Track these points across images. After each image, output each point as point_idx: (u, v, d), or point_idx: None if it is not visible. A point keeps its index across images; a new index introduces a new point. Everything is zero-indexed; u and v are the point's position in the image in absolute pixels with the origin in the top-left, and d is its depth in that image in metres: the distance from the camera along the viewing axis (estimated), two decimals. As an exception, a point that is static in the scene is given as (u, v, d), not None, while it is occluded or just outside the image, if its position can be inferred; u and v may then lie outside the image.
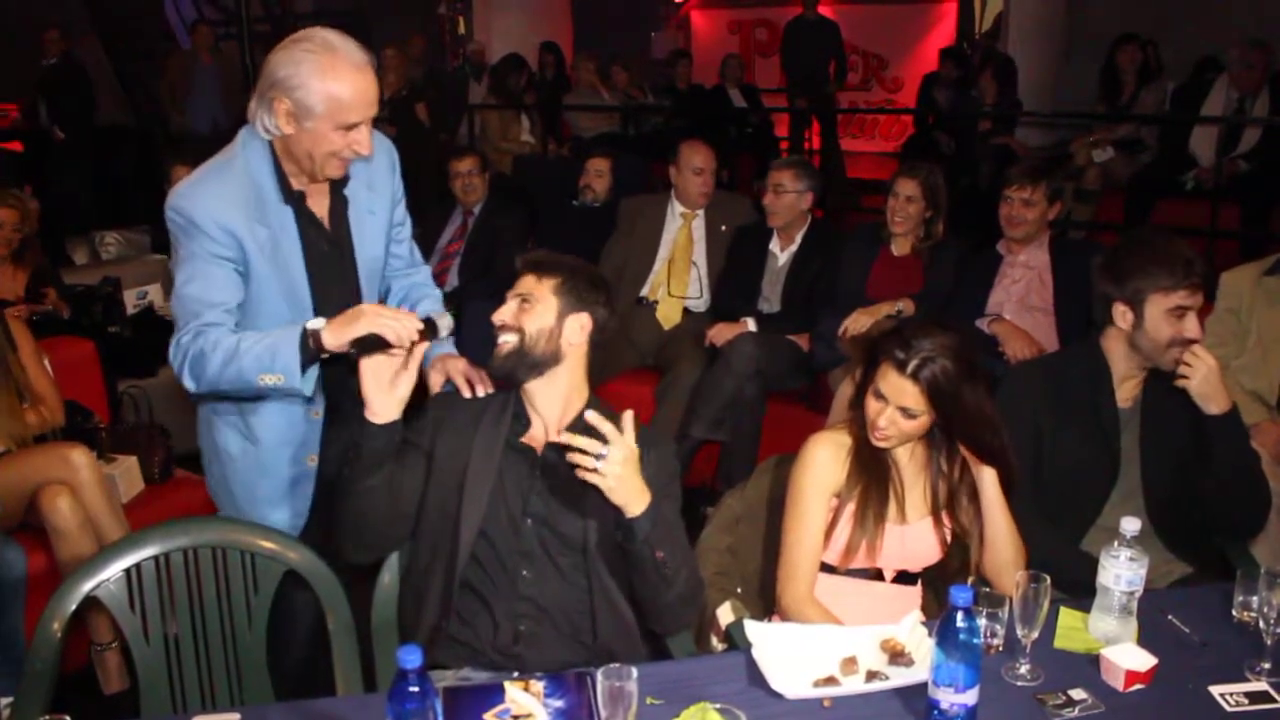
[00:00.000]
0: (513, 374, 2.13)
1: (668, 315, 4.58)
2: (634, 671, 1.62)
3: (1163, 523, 2.50)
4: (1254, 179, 5.86)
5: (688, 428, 4.11)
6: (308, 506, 2.40)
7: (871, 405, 2.19)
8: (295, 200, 2.25)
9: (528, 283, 2.15)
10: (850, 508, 2.22)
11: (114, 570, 2.03)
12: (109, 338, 4.55)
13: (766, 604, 2.39)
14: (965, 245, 4.16)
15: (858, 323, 3.92)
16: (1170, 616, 2.03)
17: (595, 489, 1.93)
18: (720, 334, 4.20)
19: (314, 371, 2.14)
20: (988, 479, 2.18)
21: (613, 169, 5.53)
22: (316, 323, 2.08)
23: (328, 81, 2.07)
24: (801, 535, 2.22)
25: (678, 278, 4.60)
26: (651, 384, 4.41)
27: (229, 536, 2.12)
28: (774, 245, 4.42)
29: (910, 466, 2.27)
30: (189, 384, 2.16)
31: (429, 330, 2.07)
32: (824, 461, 2.25)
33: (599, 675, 1.63)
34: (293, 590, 2.17)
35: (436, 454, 2.14)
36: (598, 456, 1.89)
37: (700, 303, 4.62)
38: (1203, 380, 2.38)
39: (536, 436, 2.16)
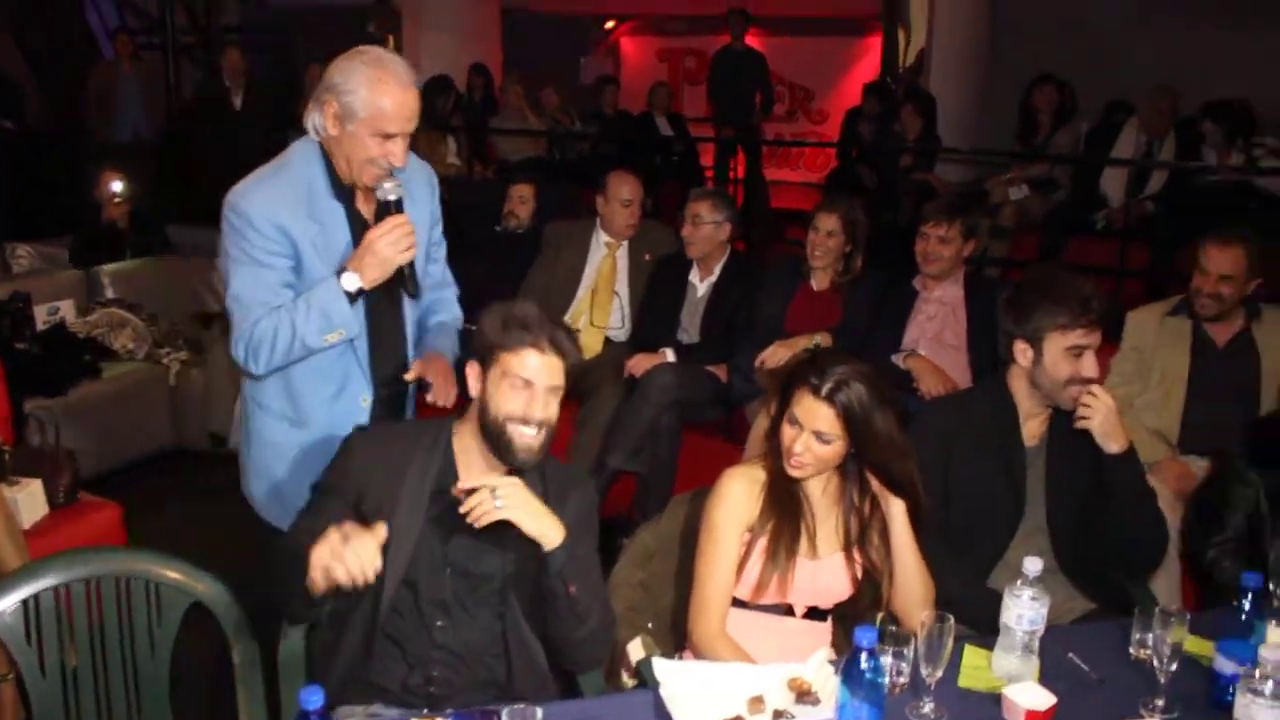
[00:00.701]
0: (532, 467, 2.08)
1: (588, 344, 4.52)
2: (539, 712, 1.61)
3: (1066, 560, 2.55)
4: (1161, 220, 6.03)
5: (605, 457, 4.09)
6: None
7: (786, 432, 2.20)
8: (346, 196, 2.41)
9: (559, 372, 2.07)
10: (762, 542, 2.23)
11: (10, 602, 1.98)
12: (16, 355, 4.41)
13: (678, 639, 2.38)
14: (883, 280, 4.19)
15: (775, 356, 3.92)
16: (1071, 654, 2.08)
17: (514, 530, 1.94)
18: (639, 364, 4.19)
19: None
20: (897, 514, 2.21)
21: (536, 195, 5.50)
22: (351, 281, 2.31)
23: (374, 91, 2.27)
24: (714, 569, 2.22)
25: (600, 308, 4.58)
26: (570, 413, 4.37)
27: (133, 566, 2.08)
28: (694, 276, 4.42)
29: (823, 501, 2.28)
30: (257, 369, 2.37)
31: (399, 209, 2.35)
32: (737, 496, 2.25)
33: (504, 715, 1.62)
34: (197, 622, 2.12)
35: (363, 507, 2.05)
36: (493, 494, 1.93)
37: (621, 332, 4.60)
38: (1103, 420, 2.42)
39: (463, 487, 2.11)
